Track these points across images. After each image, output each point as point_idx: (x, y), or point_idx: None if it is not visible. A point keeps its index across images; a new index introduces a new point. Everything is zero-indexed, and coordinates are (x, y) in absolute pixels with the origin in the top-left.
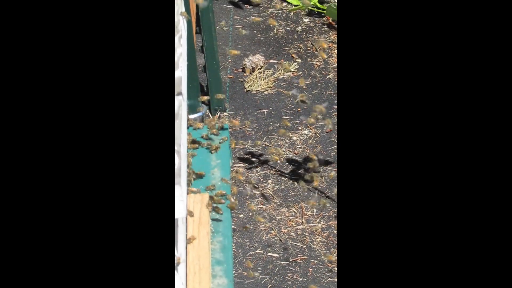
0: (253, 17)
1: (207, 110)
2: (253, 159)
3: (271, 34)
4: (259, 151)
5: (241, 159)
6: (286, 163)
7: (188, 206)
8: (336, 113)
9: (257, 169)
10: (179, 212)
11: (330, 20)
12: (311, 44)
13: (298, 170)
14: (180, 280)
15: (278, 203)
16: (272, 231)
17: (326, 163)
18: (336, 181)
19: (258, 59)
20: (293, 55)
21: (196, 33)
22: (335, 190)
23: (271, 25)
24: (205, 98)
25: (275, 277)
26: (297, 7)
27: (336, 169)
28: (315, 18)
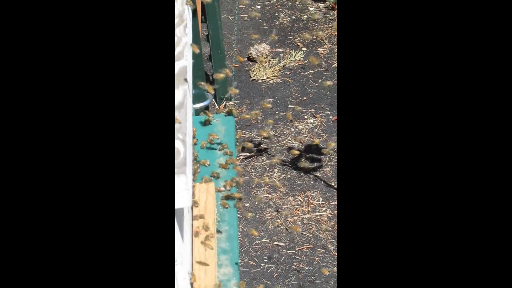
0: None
1: (213, 99)
2: (259, 147)
3: (277, 23)
4: (265, 140)
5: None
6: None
7: (194, 195)
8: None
9: (263, 157)
10: (185, 201)
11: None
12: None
13: (303, 158)
14: (185, 270)
15: (284, 192)
16: (278, 220)
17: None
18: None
19: (263, 48)
20: (299, 43)
21: (202, 22)
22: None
23: (276, 14)
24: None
25: (281, 266)
26: None
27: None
28: (321, 7)
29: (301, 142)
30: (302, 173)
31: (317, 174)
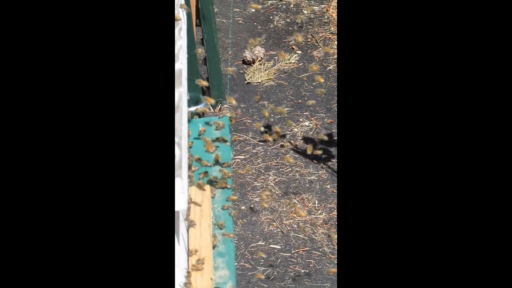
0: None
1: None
2: (254, 150)
3: (271, 26)
4: (260, 143)
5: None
6: (287, 155)
7: (189, 197)
8: (336, 105)
9: (258, 160)
10: (180, 204)
11: (330, 12)
12: (311, 35)
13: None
14: (182, 273)
15: (280, 194)
16: (274, 223)
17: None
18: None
19: (258, 51)
20: (293, 46)
21: (196, 25)
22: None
23: (270, 17)
24: (204, 83)
25: (277, 269)
26: None
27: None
28: (315, 10)
29: (297, 145)
30: (297, 176)
31: (313, 177)
